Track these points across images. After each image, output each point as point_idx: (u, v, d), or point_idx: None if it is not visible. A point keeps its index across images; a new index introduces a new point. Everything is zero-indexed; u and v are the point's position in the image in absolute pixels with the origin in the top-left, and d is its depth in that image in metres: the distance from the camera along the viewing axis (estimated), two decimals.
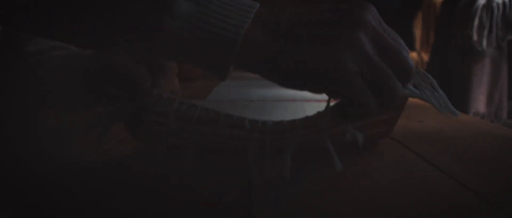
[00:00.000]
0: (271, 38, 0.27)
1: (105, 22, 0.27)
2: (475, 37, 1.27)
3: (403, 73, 0.27)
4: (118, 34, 0.27)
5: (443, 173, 0.35)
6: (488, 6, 1.25)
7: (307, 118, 0.34)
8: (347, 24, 0.26)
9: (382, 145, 0.46)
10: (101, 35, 0.28)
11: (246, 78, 1.45)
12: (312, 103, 0.81)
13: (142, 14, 0.27)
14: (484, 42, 1.27)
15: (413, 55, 1.92)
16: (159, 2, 0.27)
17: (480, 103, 1.33)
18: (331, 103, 0.29)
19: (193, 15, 0.27)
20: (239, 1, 0.28)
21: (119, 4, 0.27)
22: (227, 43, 0.27)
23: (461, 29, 1.30)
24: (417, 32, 1.98)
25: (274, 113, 0.72)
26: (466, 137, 0.57)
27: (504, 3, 1.25)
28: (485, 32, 1.26)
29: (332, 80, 0.26)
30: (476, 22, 1.25)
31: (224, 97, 0.95)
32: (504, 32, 1.25)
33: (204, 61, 0.28)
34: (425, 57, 1.90)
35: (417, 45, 1.97)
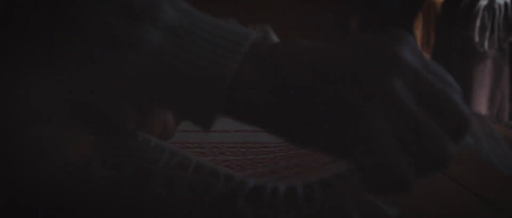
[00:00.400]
0: (272, 81, 0.20)
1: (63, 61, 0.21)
2: (476, 38, 1.27)
3: (454, 126, 0.20)
4: (71, 69, 0.21)
5: (443, 173, 0.35)
6: (490, 7, 1.25)
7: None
8: (377, 67, 0.19)
9: None
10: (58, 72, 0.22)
11: None
12: None
13: (101, 50, 0.20)
14: (486, 43, 1.27)
15: None
16: (123, 34, 0.20)
17: (481, 105, 1.32)
18: None
19: (167, 50, 0.20)
20: (228, 29, 0.22)
21: (79, 39, 0.21)
22: (211, 87, 0.20)
23: (462, 31, 1.30)
24: (418, 33, 1.98)
25: None
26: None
27: (506, 4, 1.24)
28: (487, 34, 1.26)
29: (356, 143, 0.19)
30: (477, 23, 1.25)
31: None
32: (506, 33, 1.25)
33: (181, 109, 0.22)
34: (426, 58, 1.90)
35: (418, 46, 1.96)
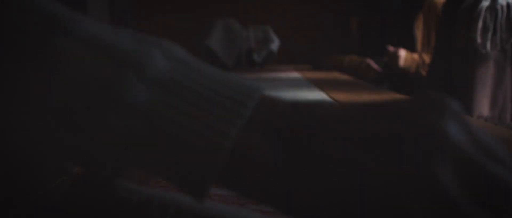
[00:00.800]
0: (283, 152, 0.17)
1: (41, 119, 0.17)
2: (478, 39, 1.26)
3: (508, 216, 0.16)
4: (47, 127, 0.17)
5: None
6: (492, 8, 1.24)
7: None
8: (416, 145, 0.16)
9: None
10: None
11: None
12: None
13: (78, 106, 0.17)
14: (488, 44, 1.26)
15: (415, 56, 1.91)
16: (102, 87, 0.17)
17: (484, 106, 1.31)
18: None
19: (153, 109, 0.17)
20: (230, 84, 0.18)
21: (55, 90, 0.17)
22: (205, 155, 0.16)
23: (464, 32, 1.29)
24: (418, 33, 1.97)
25: None
26: None
27: (508, 5, 1.23)
28: (489, 35, 1.25)
29: None
30: (479, 24, 1.24)
31: None
32: (508, 34, 1.24)
33: (168, 177, 0.18)
34: (427, 59, 1.89)
35: (419, 46, 1.95)
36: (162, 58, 0.18)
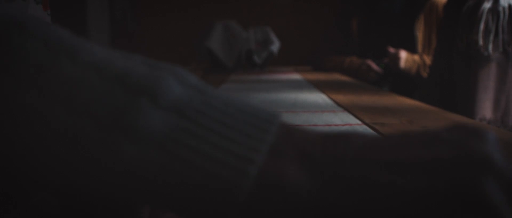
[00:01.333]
0: (317, 179, 0.16)
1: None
2: (480, 41, 1.25)
3: None
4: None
5: None
6: (494, 10, 1.23)
7: None
8: (464, 168, 0.16)
9: None
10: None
11: (246, 81, 1.43)
12: (317, 114, 0.78)
13: (94, 136, 0.16)
14: (490, 47, 1.25)
15: (415, 58, 1.90)
16: (113, 115, 0.16)
17: (486, 109, 1.31)
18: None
19: (171, 137, 0.16)
20: (249, 109, 0.17)
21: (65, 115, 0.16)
22: (225, 187, 0.15)
23: (465, 34, 1.28)
24: (419, 34, 1.96)
25: None
26: None
27: (510, 6, 1.22)
28: (491, 37, 1.24)
29: None
30: (481, 26, 1.23)
31: None
32: (510, 36, 1.23)
33: (188, 213, 0.16)
34: (428, 60, 1.88)
35: (419, 48, 1.95)
36: (177, 84, 0.17)
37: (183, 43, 2.70)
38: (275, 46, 2.20)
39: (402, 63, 1.88)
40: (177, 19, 3.13)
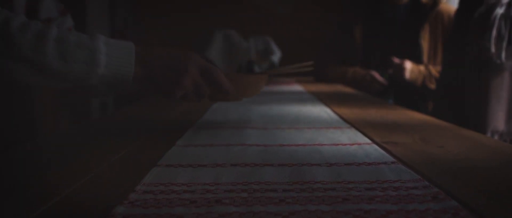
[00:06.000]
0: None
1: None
2: (493, 49, 1.18)
3: None
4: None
5: (472, 212, 0.31)
6: (507, 15, 1.17)
7: None
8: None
9: (398, 172, 0.41)
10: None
11: None
12: (322, 131, 0.71)
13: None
14: (503, 54, 1.18)
15: (421, 68, 1.83)
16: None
17: (498, 120, 1.23)
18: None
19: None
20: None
21: None
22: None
23: (477, 41, 1.21)
24: (425, 44, 1.89)
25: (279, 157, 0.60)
26: (498, 166, 0.51)
27: None
28: (504, 44, 1.17)
29: None
30: (493, 33, 1.16)
31: (219, 118, 0.86)
32: None
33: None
34: (434, 70, 1.81)
35: (425, 58, 1.88)
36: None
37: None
38: (276, 56, 2.14)
39: (407, 74, 1.81)
40: (178, 29, 3.08)
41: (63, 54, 0.54)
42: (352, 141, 0.62)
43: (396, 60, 1.82)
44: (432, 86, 1.80)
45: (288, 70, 0.83)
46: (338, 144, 0.60)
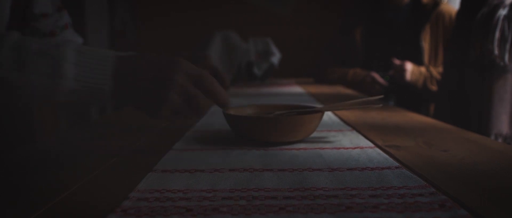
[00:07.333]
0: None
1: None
2: (496, 51, 1.16)
3: None
4: None
5: None
6: (510, 17, 1.15)
7: None
8: None
9: (403, 178, 0.40)
10: None
11: (245, 95, 1.35)
12: (323, 133, 0.69)
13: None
14: (506, 56, 1.16)
15: (422, 70, 1.81)
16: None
17: (502, 123, 1.21)
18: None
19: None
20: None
21: None
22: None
23: (480, 43, 1.19)
24: (426, 45, 1.88)
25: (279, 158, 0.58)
26: (506, 171, 0.49)
27: None
28: (507, 46, 1.16)
29: None
30: (497, 34, 1.15)
31: (217, 120, 0.84)
32: None
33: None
34: (435, 72, 1.80)
35: (426, 59, 1.86)
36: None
37: (182, 54, 2.63)
38: (276, 58, 2.12)
39: (408, 76, 1.79)
40: (177, 30, 3.07)
41: (20, 64, 0.47)
42: (354, 145, 0.60)
43: (397, 61, 1.81)
44: (433, 87, 1.79)
45: (353, 105, 0.69)
46: (339, 148, 0.58)
